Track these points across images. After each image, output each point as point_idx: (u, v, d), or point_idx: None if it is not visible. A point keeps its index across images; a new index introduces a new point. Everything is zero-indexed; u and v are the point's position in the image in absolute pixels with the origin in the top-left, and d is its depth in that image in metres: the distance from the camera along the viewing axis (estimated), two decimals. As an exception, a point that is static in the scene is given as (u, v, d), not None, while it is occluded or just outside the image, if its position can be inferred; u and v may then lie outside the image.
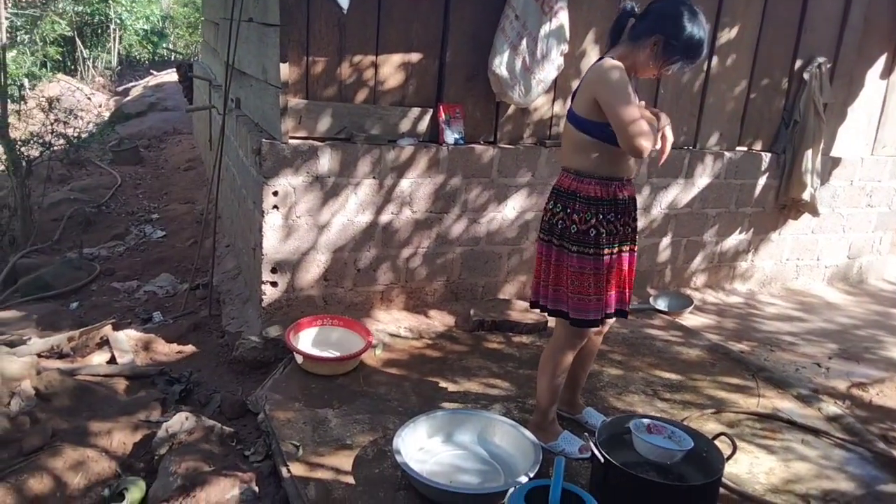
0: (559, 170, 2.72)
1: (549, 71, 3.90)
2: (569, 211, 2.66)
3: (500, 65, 3.87)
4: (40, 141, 6.28)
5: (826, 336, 4.50)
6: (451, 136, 4.02)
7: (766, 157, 4.90)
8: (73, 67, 15.29)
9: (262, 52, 3.96)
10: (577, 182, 2.66)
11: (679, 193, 4.70)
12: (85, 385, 3.40)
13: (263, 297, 3.82)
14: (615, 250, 2.70)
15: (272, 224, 3.72)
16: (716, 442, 2.62)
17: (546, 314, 2.85)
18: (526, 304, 4.33)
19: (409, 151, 3.93)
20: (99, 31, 16.25)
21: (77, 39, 15.05)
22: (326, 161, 3.75)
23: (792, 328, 4.58)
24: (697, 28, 2.49)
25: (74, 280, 4.96)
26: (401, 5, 3.75)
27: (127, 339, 3.91)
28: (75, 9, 14.53)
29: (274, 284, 3.82)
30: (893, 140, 5.42)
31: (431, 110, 4.02)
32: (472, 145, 4.09)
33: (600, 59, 2.62)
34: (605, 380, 3.62)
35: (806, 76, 4.82)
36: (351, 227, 3.91)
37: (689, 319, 4.54)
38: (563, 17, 3.84)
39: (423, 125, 4.02)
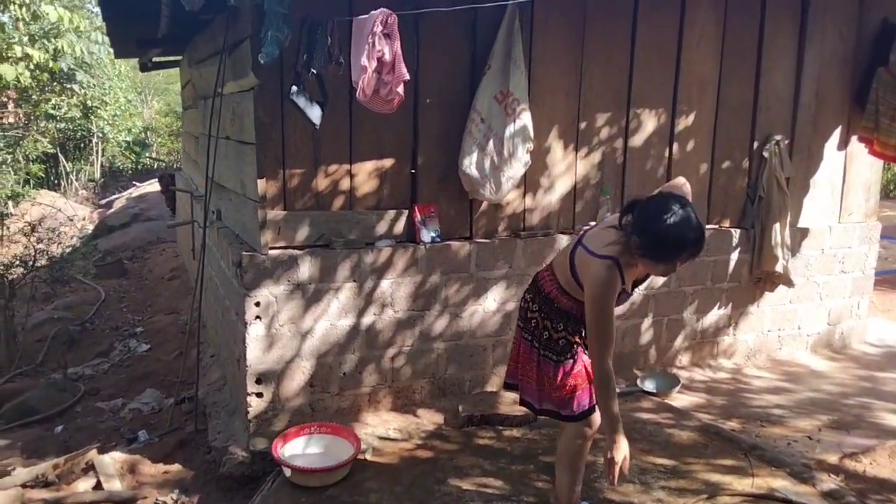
0: (536, 261, 2.84)
1: (517, 168, 4.04)
2: (551, 317, 2.82)
3: (470, 165, 4.02)
4: (23, 264, 6.32)
5: (815, 406, 4.50)
6: (427, 235, 4.12)
7: (736, 233, 5.04)
8: (56, 182, 15.54)
9: (240, 168, 4.09)
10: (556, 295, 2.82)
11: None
12: (70, 514, 3.34)
13: (249, 409, 3.80)
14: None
15: (255, 335, 3.75)
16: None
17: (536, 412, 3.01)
18: (514, 396, 4.31)
19: (388, 253, 4.01)
20: (81, 145, 16.62)
21: (60, 154, 15.36)
22: (306, 268, 3.82)
23: (781, 400, 4.59)
24: (673, 233, 2.43)
25: (59, 402, 4.92)
26: (371, 116, 3.88)
27: (112, 463, 3.85)
28: (58, 126, 14.91)
29: (259, 395, 3.81)
30: (858, 207, 5.59)
31: (407, 211, 4.13)
32: (449, 242, 4.19)
33: (605, 257, 2.59)
34: (600, 470, 3.58)
35: (765, 154, 5.01)
36: (334, 331, 3.94)
37: (679, 399, 4.55)
38: (525, 118, 4.02)
39: (400, 226, 4.13)
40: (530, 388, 2.94)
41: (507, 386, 3.16)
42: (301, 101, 3.39)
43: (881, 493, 3.45)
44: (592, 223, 3.55)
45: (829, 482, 3.45)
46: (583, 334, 2.77)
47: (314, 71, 3.31)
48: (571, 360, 2.80)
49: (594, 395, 2.77)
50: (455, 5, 3.57)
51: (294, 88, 3.37)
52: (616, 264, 2.57)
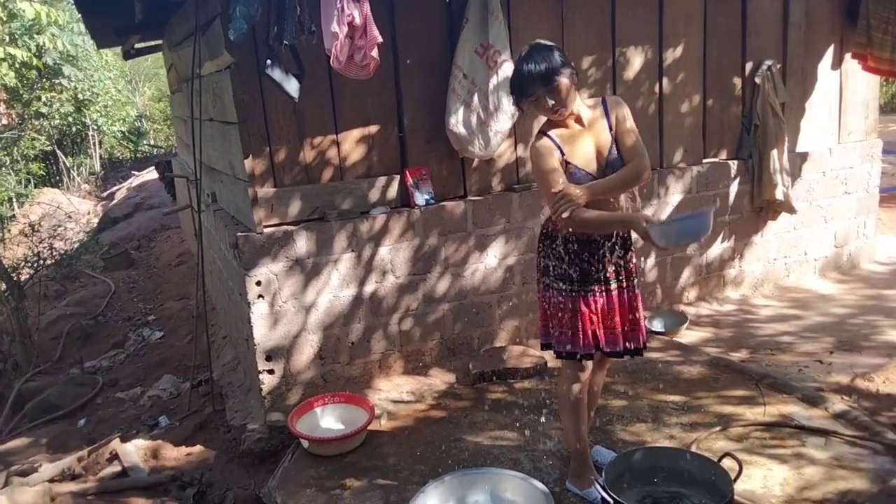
0: (533, 212, 2.82)
1: (503, 121, 4.00)
2: (548, 251, 2.82)
3: (457, 123, 3.97)
4: (30, 263, 6.38)
5: (824, 330, 4.50)
6: (421, 198, 4.10)
7: (734, 165, 4.98)
8: (58, 178, 15.56)
9: (227, 149, 4.07)
10: (555, 224, 2.78)
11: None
12: (99, 504, 3.42)
13: (262, 385, 3.85)
14: (595, 288, 2.76)
15: (259, 313, 3.77)
16: (724, 461, 2.63)
17: (545, 350, 3.00)
18: (522, 349, 4.36)
19: (382, 220, 4.00)
20: (78, 139, 16.59)
21: (58, 151, 15.35)
22: (303, 243, 3.82)
23: (789, 328, 4.59)
24: (515, 73, 2.64)
25: (79, 396, 5.00)
26: (352, 83, 3.83)
27: (135, 450, 3.92)
28: (52, 123, 14.86)
29: (271, 372, 3.86)
30: (857, 126, 5.50)
31: (398, 176, 4.10)
32: (443, 203, 4.17)
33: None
34: (612, 413, 3.63)
35: (758, 80, 4.92)
36: (337, 302, 3.96)
37: (687, 336, 4.56)
38: (508, 69, 3.94)
39: (393, 192, 4.11)
40: (541, 327, 2.95)
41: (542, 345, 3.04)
42: (277, 75, 3.34)
43: (894, 409, 3.47)
44: None
45: (841, 404, 3.47)
46: (572, 257, 2.76)
47: (286, 43, 3.25)
48: (568, 295, 2.77)
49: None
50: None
51: (268, 62, 3.32)
52: (541, 135, 2.70)
